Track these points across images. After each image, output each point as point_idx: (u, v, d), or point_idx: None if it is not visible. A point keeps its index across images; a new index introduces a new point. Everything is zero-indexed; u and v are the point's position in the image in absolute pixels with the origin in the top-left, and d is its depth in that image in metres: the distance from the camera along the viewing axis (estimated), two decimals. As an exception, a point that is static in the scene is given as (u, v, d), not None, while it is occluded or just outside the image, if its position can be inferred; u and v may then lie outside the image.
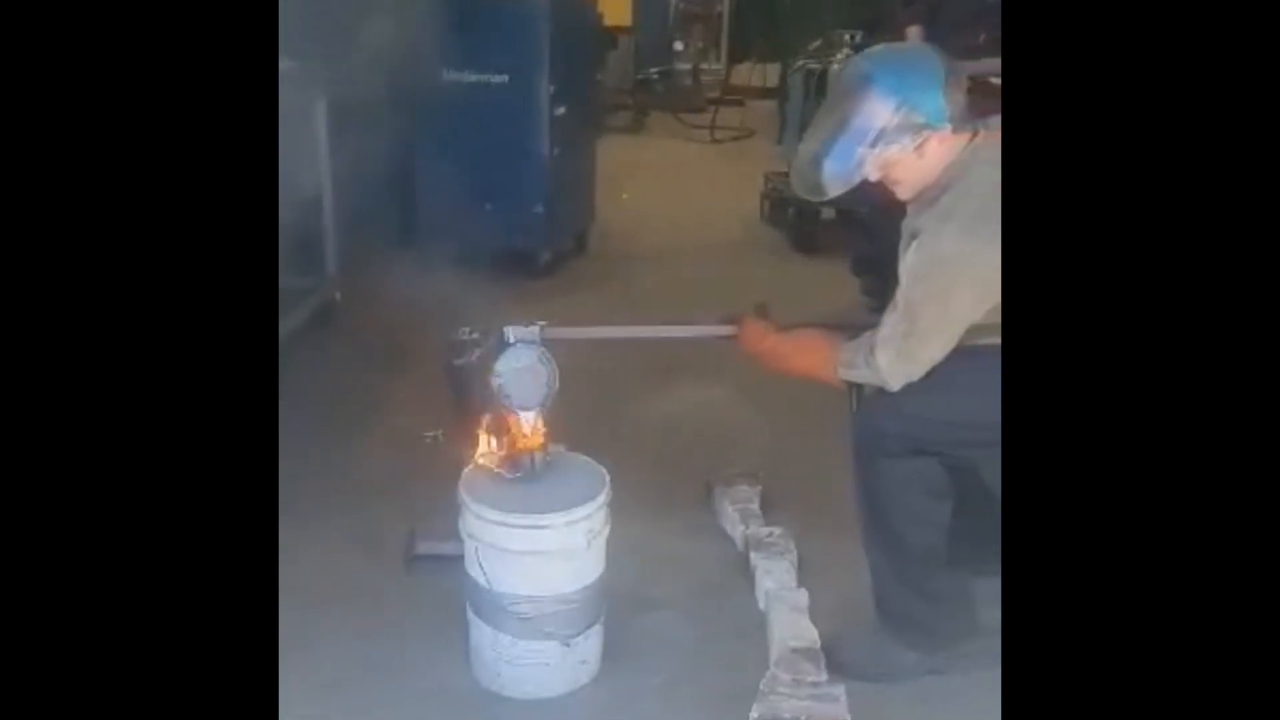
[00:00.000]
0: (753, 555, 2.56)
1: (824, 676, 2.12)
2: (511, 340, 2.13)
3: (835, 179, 2.01)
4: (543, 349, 2.14)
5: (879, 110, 1.91)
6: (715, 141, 8.88)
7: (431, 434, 2.64)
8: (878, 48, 2.24)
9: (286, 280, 4.24)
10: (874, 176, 1.99)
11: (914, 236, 1.97)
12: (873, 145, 1.92)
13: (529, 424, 2.15)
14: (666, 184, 7.41)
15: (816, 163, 2.01)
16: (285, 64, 3.72)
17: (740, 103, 9.69)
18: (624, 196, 6.64)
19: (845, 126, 1.95)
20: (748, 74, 10.44)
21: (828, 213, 5.46)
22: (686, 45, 11.21)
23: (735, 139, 8.83)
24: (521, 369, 2.12)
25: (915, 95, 1.91)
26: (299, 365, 3.85)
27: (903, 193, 2.04)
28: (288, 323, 3.93)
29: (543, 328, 2.16)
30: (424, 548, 2.54)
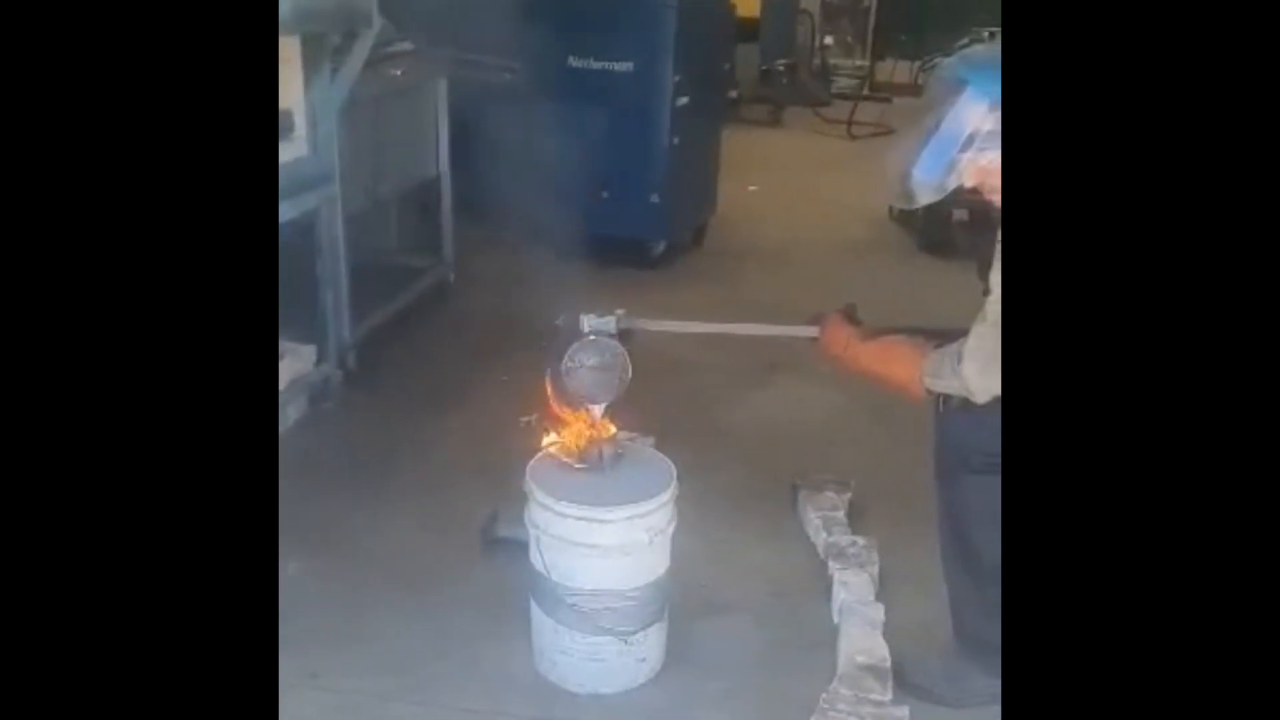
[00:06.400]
0: (831, 564, 2.49)
1: (888, 696, 2.04)
2: (586, 330, 2.10)
3: (926, 185, 1.90)
4: (616, 341, 2.11)
5: (971, 113, 1.80)
6: (852, 138, 8.70)
7: (527, 418, 2.66)
8: (974, 48, 2.14)
9: (403, 259, 4.38)
10: (969, 183, 1.88)
11: None
12: (964, 149, 1.83)
13: (599, 416, 2.13)
14: (796, 178, 7.30)
15: (906, 167, 1.92)
16: (405, 44, 3.82)
17: (887, 99, 9.43)
18: (750, 189, 6.57)
19: (936, 130, 1.85)
20: (890, 70, 10.18)
21: (959, 213, 5.25)
22: (834, 39, 11.05)
23: (873, 136, 8.62)
24: (593, 360, 2.10)
25: None
26: (407, 343, 3.95)
27: (999, 201, 1.93)
28: (401, 301, 4.02)
29: (619, 318, 2.13)
30: (504, 531, 2.55)
